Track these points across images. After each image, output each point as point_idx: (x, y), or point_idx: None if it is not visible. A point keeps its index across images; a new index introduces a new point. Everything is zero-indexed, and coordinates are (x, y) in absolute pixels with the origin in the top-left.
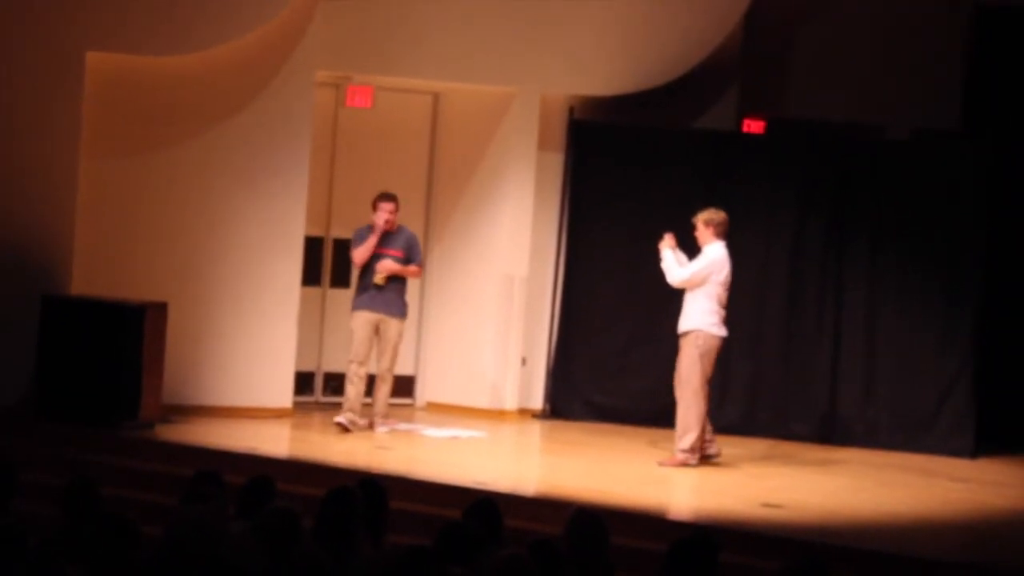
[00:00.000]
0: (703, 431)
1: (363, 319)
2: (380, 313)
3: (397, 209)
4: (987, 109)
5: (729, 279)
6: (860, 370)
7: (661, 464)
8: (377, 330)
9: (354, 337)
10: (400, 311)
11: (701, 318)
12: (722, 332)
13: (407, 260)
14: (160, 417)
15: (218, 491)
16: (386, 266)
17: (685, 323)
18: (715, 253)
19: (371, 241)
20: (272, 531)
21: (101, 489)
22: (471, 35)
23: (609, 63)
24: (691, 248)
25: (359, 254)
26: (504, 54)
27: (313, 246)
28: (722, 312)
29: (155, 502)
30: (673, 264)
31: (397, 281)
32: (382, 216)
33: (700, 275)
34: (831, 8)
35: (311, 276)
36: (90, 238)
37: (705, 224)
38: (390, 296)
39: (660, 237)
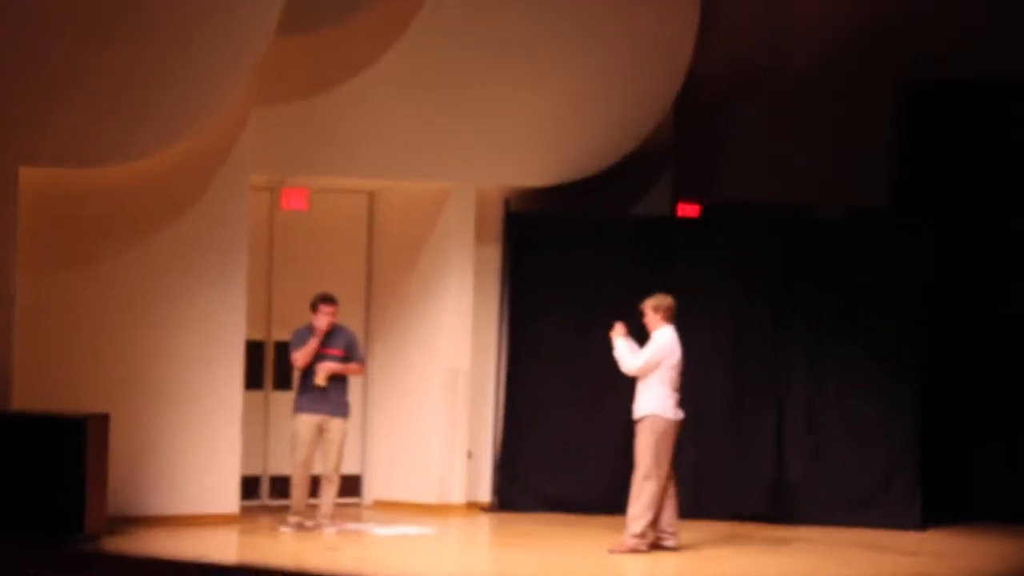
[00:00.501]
0: (655, 516)
1: (305, 421)
2: (322, 414)
3: (337, 312)
4: (918, 184)
5: (680, 362)
6: (806, 448)
7: (612, 551)
8: (320, 431)
9: (297, 440)
10: (342, 411)
11: (656, 403)
12: (677, 415)
13: (347, 358)
14: (106, 529)
15: None
16: (327, 367)
17: (640, 408)
18: (665, 338)
19: (312, 344)
20: None
21: None
22: (404, 133)
23: (542, 154)
24: (638, 334)
25: (300, 357)
26: (438, 150)
27: (254, 350)
28: (676, 395)
29: None
30: (626, 353)
31: (339, 380)
32: (323, 319)
33: (653, 361)
34: (760, 91)
35: (253, 380)
36: (29, 351)
37: (654, 310)
38: (332, 396)
39: (606, 326)
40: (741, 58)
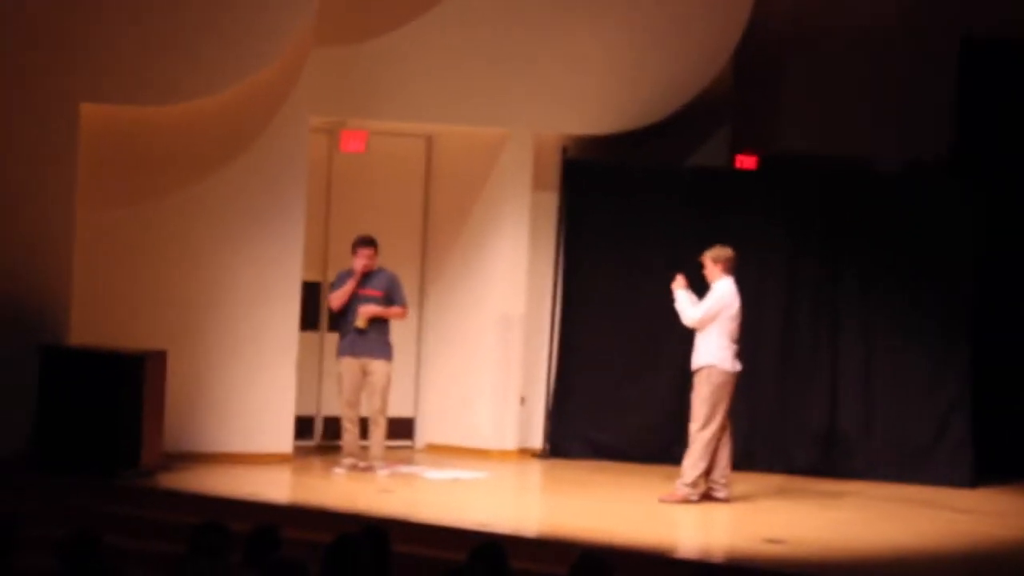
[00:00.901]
0: (708, 467)
1: (348, 364)
2: (364, 357)
3: (376, 253)
4: (976, 140)
5: (739, 314)
6: (858, 403)
7: (663, 500)
8: (364, 374)
9: (341, 383)
10: (384, 353)
11: (714, 353)
12: (736, 367)
13: (388, 301)
14: (161, 465)
15: (223, 541)
16: (368, 310)
17: (698, 359)
18: (724, 289)
19: (349, 286)
20: None
21: (102, 540)
22: (463, 77)
23: (601, 102)
24: (696, 285)
25: (336, 298)
26: (496, 95)
27: (310, 291)
28: (734, 347)
29: (158, 551)
30: (687, 304)
31: (380, 323)
32: (360, 261)
33: (712, 312)
34: (820, 43)
35: (309, 321)
36: (88, 288)
37: (713, 261)
38: (373, 339)
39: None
40: (801, 10)
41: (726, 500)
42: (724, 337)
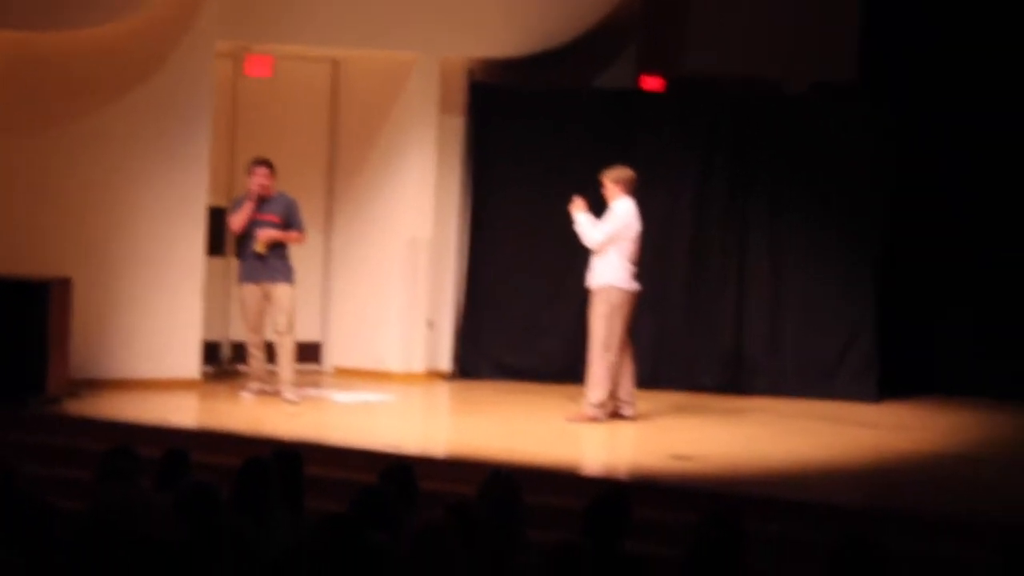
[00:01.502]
0: (613, 386)
1: (250, 291)
2: (265, 282)
3: (272, 174)
4: (885, 61)
5: (639, 235)
6: (765, 320)
7: (570, 420)
8: (266, 298)
9: (244, 309)
10: (285, 276)
11: (611, 274)
12: (633, 287)
13: (286, 225)
14: (68, 392)
15: (133, 465)
16: (266, 234)
17: (595, 279)
18: (624, 209)
19: (247, 207)
20: (192, 504)
21: (15, 469)
22: (369, 1)
23: (507, 25)
24: (598, 206)
25: (235, 220)
26: (403, 19)
27: (216, 216)
28: (632, 268)
29: (67, 477)
30: (588, 226)
31: (279, 247)
32: (256, 180)
33: (613, 233)
34: None
35: (215, 246)
36: None
37: (613, 182)
38: (273, 263)
39: (567, 199)
40: None
41: (633, 418)
42: (622, 258)
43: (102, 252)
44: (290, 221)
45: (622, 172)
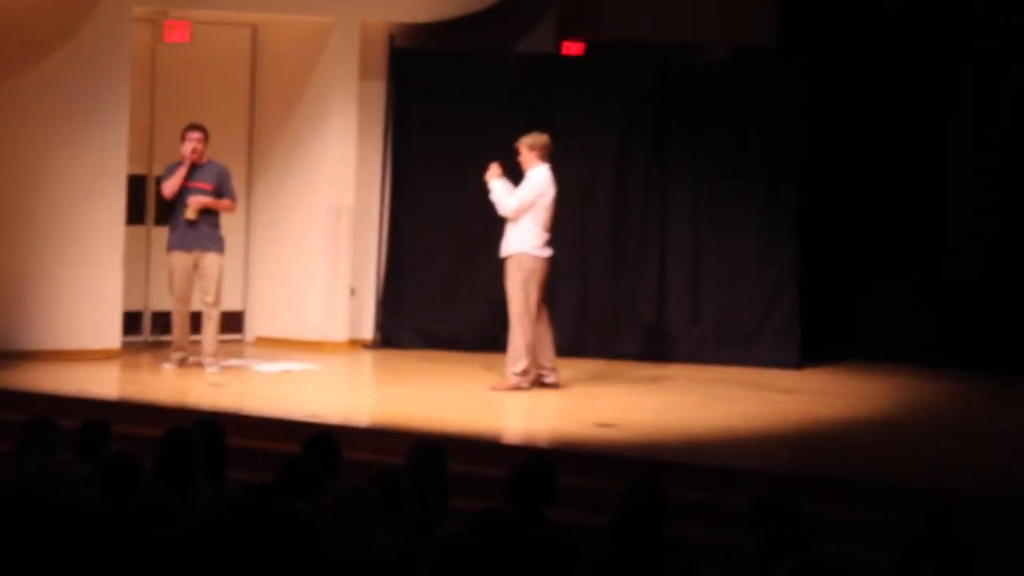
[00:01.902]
0: (534, 353)
1: (179, 259)
2: (195, 250)
3: (206, 139)
4: (802, 24)
5: (553, 202)
6: (686, 287)
7: (494, 389)
8: (195, 267)
9: (172, 277)
10: (216, 245)
11: (524, 241)
12: (546, 253)
13: (218, 194)
14: None
15: (53, 437)
16: (197, 200)
17: (507, 247)
18: (540, 176)
19: (180, 172)
20: (114, 475)
21: None
22: None
23: None
24: (517, 173)
25: (168, 186)
26: None
27: (136, 184)
28: (545, 235)
29: None
30: (503, 194)
31: (210, 215)
32: (188, 146)
33: (528, 201)
34: None
35: (135, 215)
36: None
37: (529, 148)
38: (204, 231)
39: (485, 166)
40: None
41: (556, 385)
42: (536, 225)
43: (20, 221)
44: (222, 189)
45: (538, 138)
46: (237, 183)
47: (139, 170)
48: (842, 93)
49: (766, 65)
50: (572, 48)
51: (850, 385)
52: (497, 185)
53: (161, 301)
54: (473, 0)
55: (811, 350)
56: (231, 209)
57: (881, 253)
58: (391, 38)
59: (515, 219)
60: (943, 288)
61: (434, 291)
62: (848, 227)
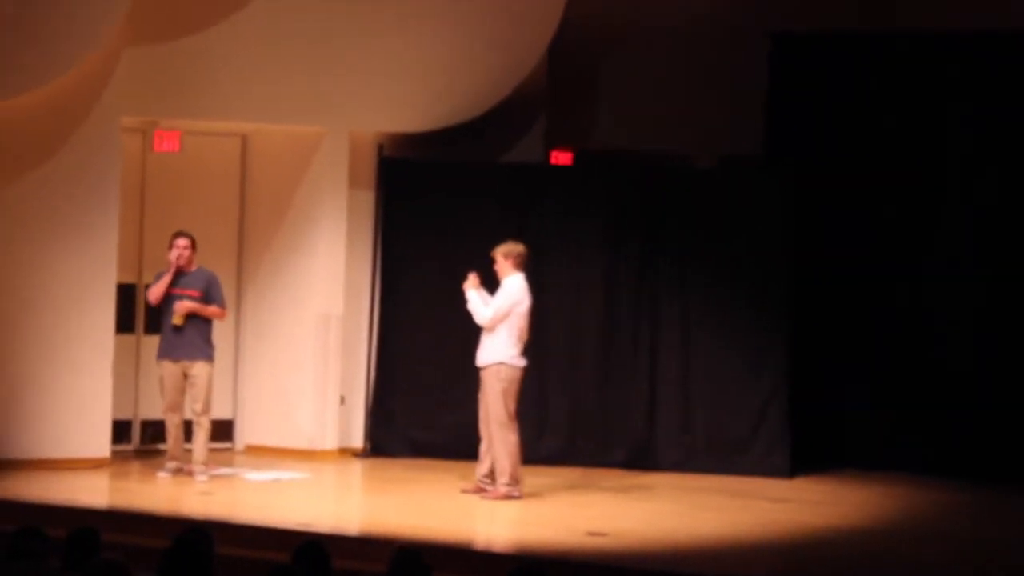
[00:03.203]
0: (519, 460)
1: (168, 368)
2: (183, 360)
3: (193, 246)
4: (789, 135)
5: (529, 310)
6: (676, 396)
7: (484, 498)
8: (184, 376)
9: (163, 387)
10: (204, 354)
11: (501, 351)
12: (522, 363)
13: (206, 301)
14: None
15: (42, 546)
16: (183, 306)
17: (485, 357)
18: (515, 285)
19: (165, 279)
20: None
21: None
22: (277, 76)
23: (416, 100)
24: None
25: (153, 292)
26: (311, 94)
27: (126, 293)
28: (521, 344)
29: None
30: (479, 304)
31: (198, 322)
32: (175, 252)
33: (503, 310)
34: (633, 39)
35: (124, 323)
36: None
37: (504, 256)
38: (192, 339)
39: (465, 277)
40: (616, 4)
41: (518, 497)
42: (512, 335)
43: (9, 330)
44: (211, 296)
45: (512, 247)
46: (227, 291)
47: (129, 279)
48: (828, 201)
49: (753, 175)
50: (561, 157)
51: (841, 494)
52: (473, 295)
53: (150, 409)
54: (461, 111)
55: (801, 458)
56: (220, 316)
57: (869, 361)
58: (380, 148)
59: (491, 328)
60: (934, 397)
61: (422, 400)
62: (837, 335)
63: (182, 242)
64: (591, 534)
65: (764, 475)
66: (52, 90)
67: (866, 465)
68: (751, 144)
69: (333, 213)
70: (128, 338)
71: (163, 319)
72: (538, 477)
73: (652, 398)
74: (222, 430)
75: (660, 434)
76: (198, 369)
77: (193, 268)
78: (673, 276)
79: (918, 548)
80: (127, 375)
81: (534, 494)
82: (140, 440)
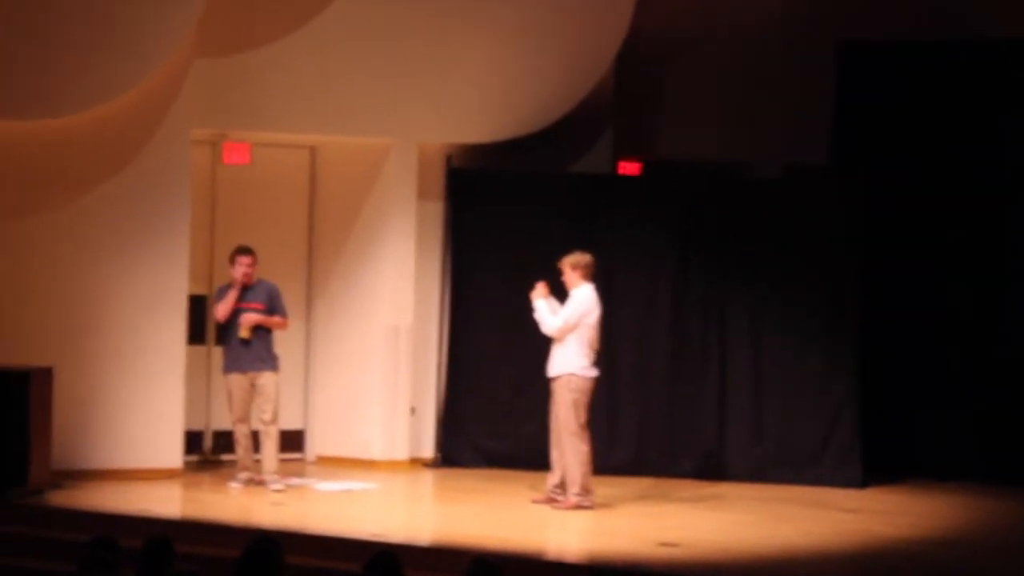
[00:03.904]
0: (590, 470)
1: (236, 380)
2: (250, 371)
3: (255, 262)
4: (856, 142)
5: (599, 320)
6: (746, 406)
7: (556, 508)
8: (252, 387)
9: (231, 398)
10: (270, 364)
11: (572, 361)
12: (593, 373)
13: (269, 313)
14: (50, 483)
15: (115, 556)
16: (250, 318)
17: (556, 367)
18: (584, 295)
19: (231, 296)
20: None
21: None
22: (346, 87)
23: (485, 111)
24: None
25: (220, 309)
26: (379, 105)
27: (197, 304)
28: (592, 354)
29: (49, 569)
30: (547, 314)
31: (263, 334)
32: (239, 269)
33: (573, 320)
34: (701, 48)
35: (196, 334)
36: None
37: (572, 267)
38: (258, 351)
39: (533, 287)
40: (682, 15)
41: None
42: (582, 345)
43: (83, 342)
44: (273, 307)
45: (580, 258)
46: (296, 303)
47: (200, 290)
48: (895, 209)
49: (822, 184)
50: (628, 168)
51: (913, 504)
52: (541, 304)
53: (221, 420)
54: (530, 121)
55: (873, 468)
56: (283, 326)
57: (942, 370)
58: (449, 159)
59: (560, 339)
60: (1007, 406)
61: (493, 409)
62: (907, 344)
63: (246, 260)
64: (663, 544)
65: (836, 485)
66: (122, 103)
67: (938, 475)
68: (816, 153)
69: (402, 224)
70: (199, 349)
71: (228, 332)
72: (608, 487)
73: (722, 408)
74: (293, 441)
75: (730, 444)
76: (266, 379)
77: (254, 281)
78: (742, 285)
79: (991, 559)
80: (198, 386)
81: (605, 504)
82: (211, 450)
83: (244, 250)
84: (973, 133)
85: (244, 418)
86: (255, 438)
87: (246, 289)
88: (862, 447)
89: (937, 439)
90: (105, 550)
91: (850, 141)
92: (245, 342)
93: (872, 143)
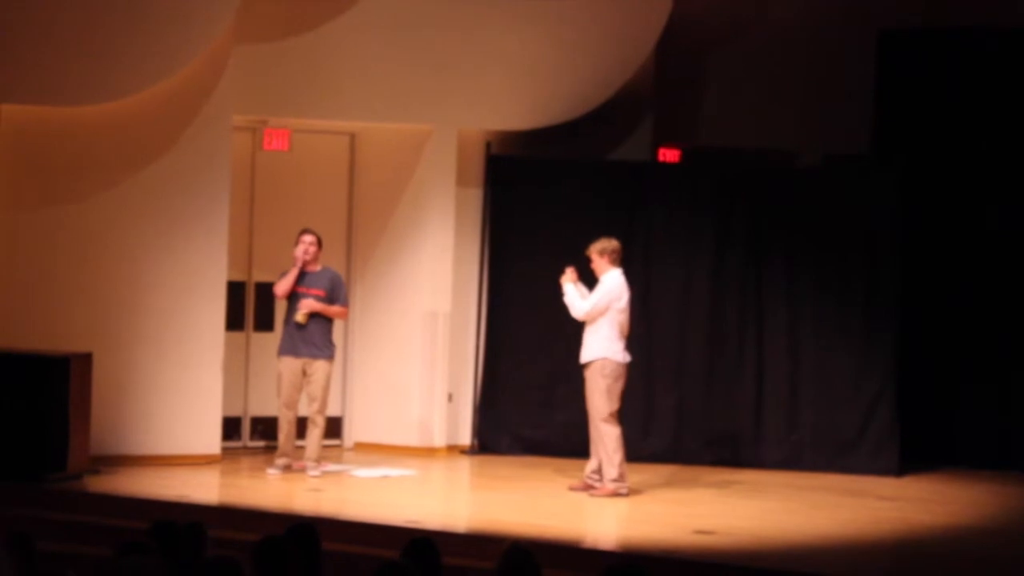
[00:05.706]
0: (623, 455)
1: (288, 364)
2: (304, 357)
3: (319, 244)
4: (897, 131)
5: (628, 305)
6: (783, 393)
7: (592, 495)
8: (304, 373)
9: (280, 382)
10: (325, 353)
11: (605, 346)
12: (626, 358)
13: (330, 300)
14: (88, 468)
15: (153, 540)
16: (308, 304)
17: (588, 353)
18: (612, 281)
19: (292, 273)
20: None
21: (35, 544)
22: (385, 75)
23: (524, 98)
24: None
25: (281, 286)
26: (419, 92)
27: (236, 291)
28: (623, 339)
29: (86, 553)
30: (576, 298)
31: (321, 321)
32: (301, 248)
33: (601, 305)
34: (741, 36)
35: (235, 321)
36: (9, 290)
37: (599, 254)
38: (314, 337)
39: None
40: (723, 2)
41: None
42: (613, 330)
43: (122, 328)
44: (334, 295)
45: (607, 243)
46: None
47: (239, 277)
48: (936, 197)
49: (862, 171)
50: (668, 155)
51: (950, 492)
52: (570, 288)
53: (260, 407)
54: (569, 108)
55: (910, 456)
56: (342, 315)
57: (980, 358)
58: (488, 145)
59: (591, 324)
60: None
61: (530, 397)
62: (946, 332)
63: (308, 238)
64: (698, 532)
65: (873, 473)
66: (163, 89)
67: (975, 463)
68: (857, 141)
69: (441, 210)
70: (238, 335)
71: (287, 315)
72: (644, 475)
73: (759, 396)
74: (331, 427)
75: (767, 432)
76: (318, 367)
77: (318, 268)
78: (780, 273)
79: None
80: (237, 372)
81: (641, 492)
82: (249, 437)
83: (307, 230)
84: (1013, 120)
85: (291, 404)
86: (299, 424)
87: (308, 274)
88: (899, 435)
89: (975, 427)
90: (143, 534)
91: (890, 129)
92: (301, 327)
93: (912, 131)
